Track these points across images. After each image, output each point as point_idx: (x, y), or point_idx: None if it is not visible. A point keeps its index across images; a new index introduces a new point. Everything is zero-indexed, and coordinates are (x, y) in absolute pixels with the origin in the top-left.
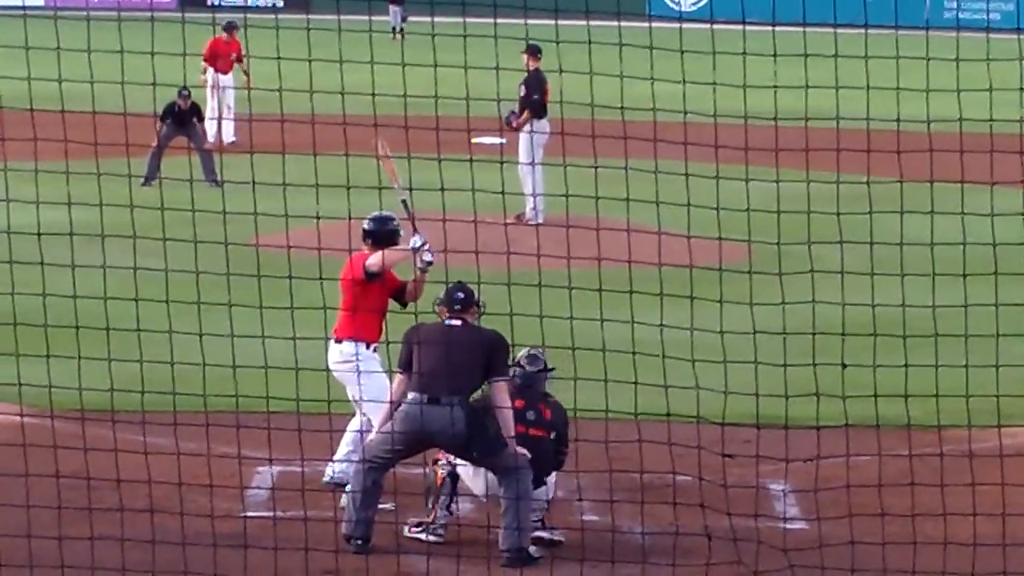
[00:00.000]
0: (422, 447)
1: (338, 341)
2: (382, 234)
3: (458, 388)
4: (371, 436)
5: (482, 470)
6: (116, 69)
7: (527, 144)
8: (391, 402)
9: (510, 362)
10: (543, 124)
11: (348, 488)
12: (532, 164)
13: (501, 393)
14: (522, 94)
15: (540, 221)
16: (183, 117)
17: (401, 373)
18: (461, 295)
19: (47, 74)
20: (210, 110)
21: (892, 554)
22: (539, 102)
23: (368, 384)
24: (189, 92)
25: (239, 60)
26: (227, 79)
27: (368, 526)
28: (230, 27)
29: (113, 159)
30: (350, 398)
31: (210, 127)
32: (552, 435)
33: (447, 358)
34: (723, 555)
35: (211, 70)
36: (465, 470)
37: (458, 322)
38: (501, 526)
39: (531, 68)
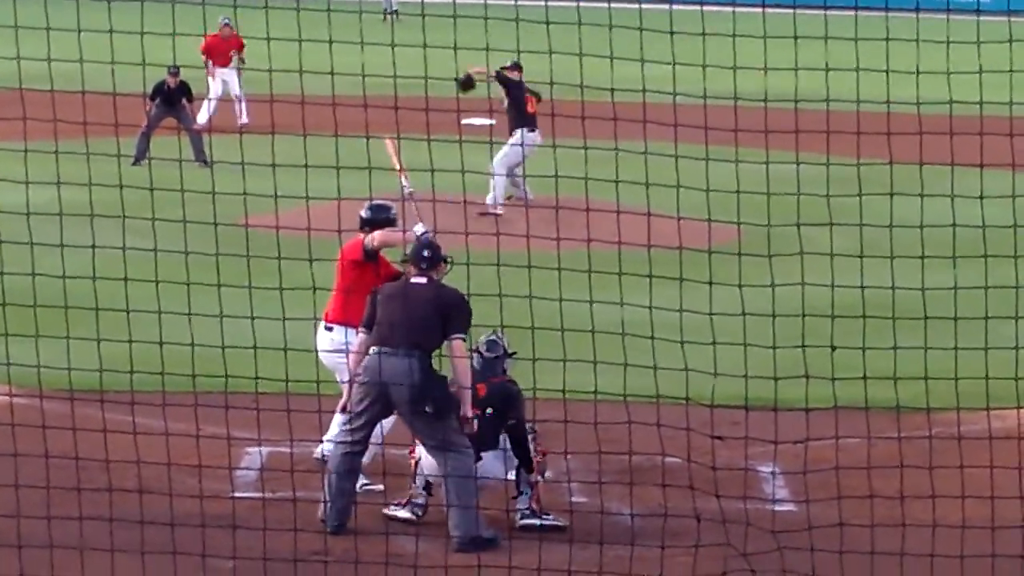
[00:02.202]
0: (384, 403)
1: (328, 328)
2: (379, 222)
3: (416, 342)
4: (344, 400)
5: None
6: (106, 49)
7: (507, 153)
8: (356, 351)
9: (472, 345)
10: (533, 136)
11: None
12: (505, 175)
13: (458, 349)
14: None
15: (531, 198)
16: (172, 96)
17: (364, 331)
18: (427, 252)
19: (36, 53)
20: (212, 92)
21: (881, 536)
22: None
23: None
24: (178, 70)
25: (239, 52)
26: (225, 71)
27: (343, 512)
28: (227, 26)
29: (102, 139)
30: (339, 381)
31: (207, 107)
32: (488, 411)
33: (406, 312)
34: (712, 537)
35: (209, 63)
36: (426, 455)
37: (423, 280)
38: (448, 508)
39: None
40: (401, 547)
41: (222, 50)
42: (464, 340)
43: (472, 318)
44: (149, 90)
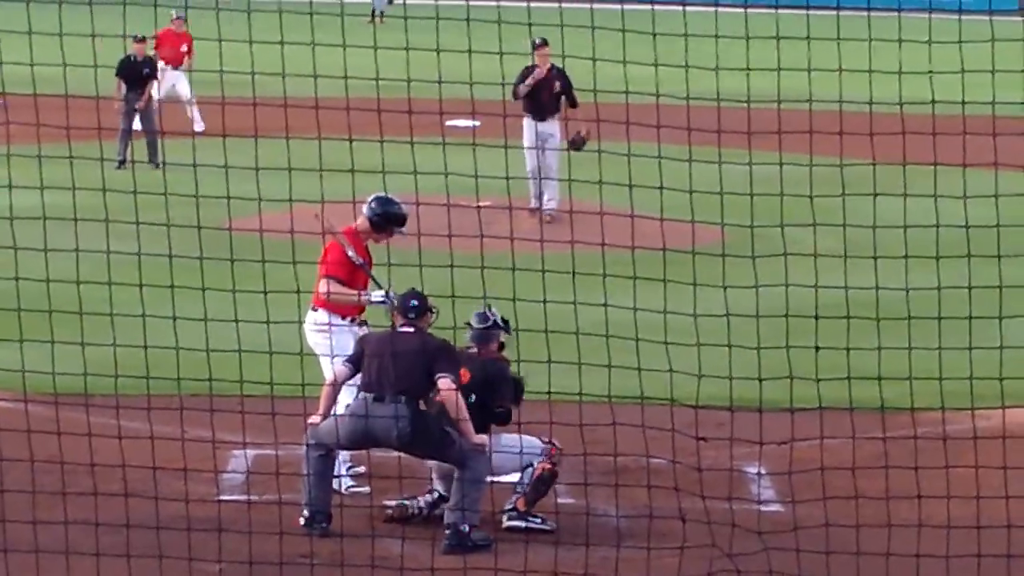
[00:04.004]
0: (368, 445)
1: (314, 309)
2: (390, 216)
3: (402, 389)
4: (315, 419)
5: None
6: (88, 52)
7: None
8: (332, 384)
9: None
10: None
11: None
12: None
13: (444, 386)
14: (557, 90)
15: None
16: (137, 70)
17: (346, 364)
18: (415, 303)
19: (19, 58)
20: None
21: (866, 536)
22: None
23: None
24: (144, 38)
25: (189, 53)
26: (176, 72)
27: (326, 513)
28: (179, 19)
29: (85, 143)
30: (320, 356)
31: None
32: (472, 398)
33: (393, 360)
34: (698, 538)
35: (161, 63)
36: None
37: (410, 329)
38: (451, 498)
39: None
40: (387, 549)
41: (175, 44)
42: (450, 379)
43: (459, 364)
44: (115, 65)
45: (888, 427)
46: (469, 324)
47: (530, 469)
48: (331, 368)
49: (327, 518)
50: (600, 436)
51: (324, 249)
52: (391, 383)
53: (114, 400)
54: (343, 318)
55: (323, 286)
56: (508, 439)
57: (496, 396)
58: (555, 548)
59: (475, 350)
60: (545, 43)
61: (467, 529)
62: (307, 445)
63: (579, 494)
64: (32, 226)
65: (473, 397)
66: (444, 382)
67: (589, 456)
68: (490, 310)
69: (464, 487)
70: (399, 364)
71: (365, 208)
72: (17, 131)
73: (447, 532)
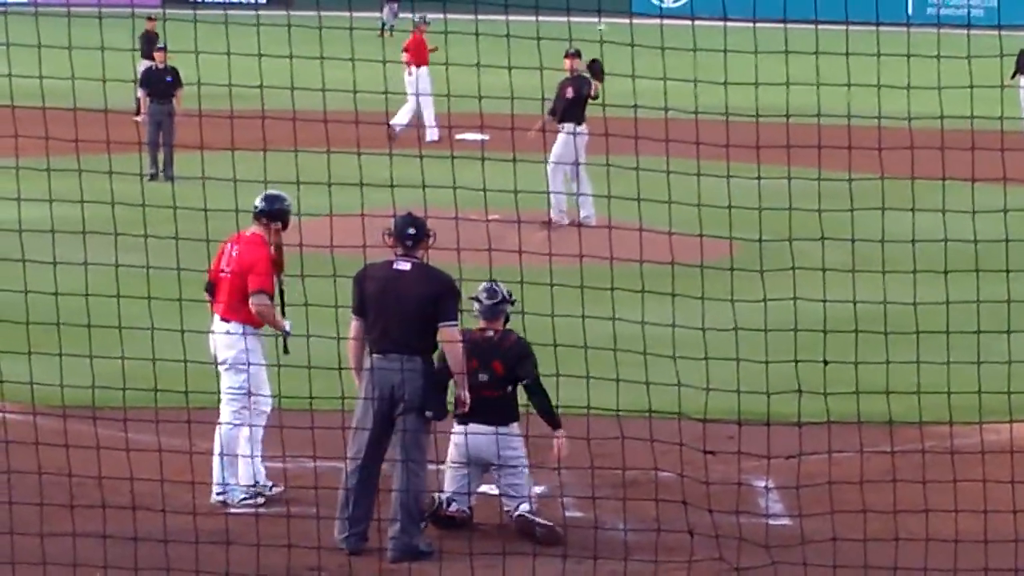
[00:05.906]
0: (391, 411)
1: (226, 320)
2: (275, 212)
3: (416, 347)
4: (356, 381)
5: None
6: (98, 65)
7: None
8: (353, 338)
9: (472, 295)
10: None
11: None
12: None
13: (449, 336)
14: (570, 96)
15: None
16: (159, 78)
17: (355, 319)
18: (412, 231)
19: (28, 71)
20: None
21: (874, 550)
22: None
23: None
24: (165, 46)
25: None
26: (423, 73)
27: (363, 533)
28: (423, 21)
29: (94, 155)
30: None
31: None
32: (508, 389)
33: (399, 310)
34: (705, 551)
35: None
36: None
37: (407, 266)
38: (391, 518)
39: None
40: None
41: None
42: (455, 327)
43: (461, 301)
44: (139, 73)
45: (896, 441)
46: (477, 299)
47: (526, 503)
48: (243, 377)
49: (364, 538)
50: (608, 450)
51: (246, 255)
52: (401, 338)
53: (122, 413)
54: (256, 327)
55: (258, 301)
56: (520, 450)
57: (522, 372)
58: (563, 561)
59: (482, 326)
60: (574, 54)
61: (416, 543)
62: (349, 460)
63: (587, 507)
64: (41, 239)
65: (509, 388)
66: (450, 332)
67: (597, 470)
68: (496, 284)
69: (408, 500)
70: (405, 313)
71: (274, 207)
72: (26, 144)
73: (392, 547)
